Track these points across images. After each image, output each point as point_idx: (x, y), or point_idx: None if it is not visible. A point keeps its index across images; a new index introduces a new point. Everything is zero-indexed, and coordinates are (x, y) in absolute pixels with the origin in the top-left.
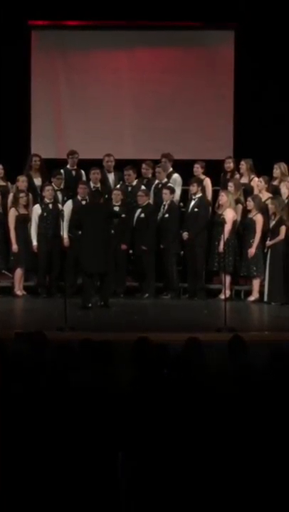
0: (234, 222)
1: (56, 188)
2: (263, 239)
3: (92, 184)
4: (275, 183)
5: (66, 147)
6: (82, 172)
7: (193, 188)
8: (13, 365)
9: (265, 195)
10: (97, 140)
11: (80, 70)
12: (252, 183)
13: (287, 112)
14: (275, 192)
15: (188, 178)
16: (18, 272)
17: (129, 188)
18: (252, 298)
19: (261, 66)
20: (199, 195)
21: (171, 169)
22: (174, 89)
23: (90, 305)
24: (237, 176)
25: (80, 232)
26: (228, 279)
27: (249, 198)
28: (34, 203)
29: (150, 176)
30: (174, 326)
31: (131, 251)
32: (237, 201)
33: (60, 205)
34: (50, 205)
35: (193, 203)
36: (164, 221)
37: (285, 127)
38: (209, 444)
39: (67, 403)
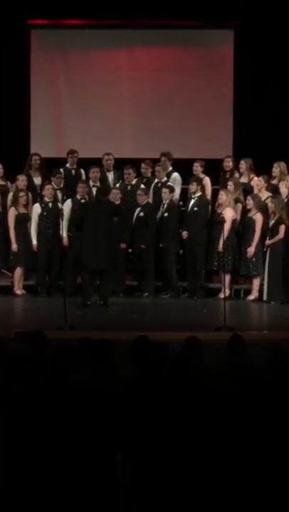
0: (233, 222)
1: (56, 187)
2: (263, 238)
3: (91, 183)
4: (274, 182)
5: (66, 146)
6: (82, 171)
7: (193, 187)
8: (13, 365)
9: (264, 195)
10: (96, 139)
11: (79, 69)
12: (251, 183)
13: (286, 112)
14: (275, 191)
15: (187, 177)
16: (18, 272)
17: (129, 187)
18: (251, 297)
19: (261, 65)
20: (199, 194)
21: (170, 168)
22: (173, 88)
23: (89, 302)
24: (236, 175)
25: (80, 231)
26: (227, 278)
27: (249, 197)
28: (34, 202)
29: (149, 175)
30: (174, 325)
31: (130, 250)
32: (236, 200)
33: (59, 204)
34: (50, 204)
35: (192, 202)
36: (163, 220)
37: (284, 127)
38: (209, 444)
39: (67, 402)
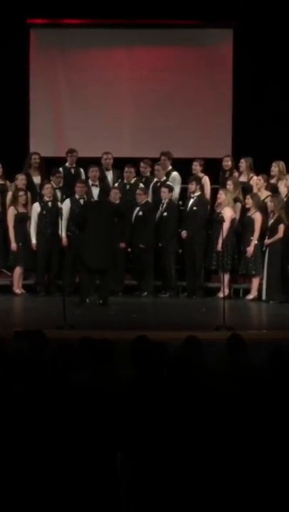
0: (232, 221)
1: (55, 186)
2: (262, 237)
3: (90, 182)
4: (273, 181)
5: (65, 145)
6: (81, 170)
7: (192, 186)
8: (13, 364)
9: (264, 194)
10: (96, 138)
11: (79, 69)
12: (251, 182)
13: (286, 111)
14: (274, 190)
15: (186, 176)
16: (17, 271)
17: (128, 186)
18: (250, 296)
19: (260, 65)
20: (198, 193)
21: (170, 167)
22: (173, 87)
23: (87, 301)
24: (236, 174)
25: (82, 231)
26: (226, 277)
27: (248, 196)
28: (33, 202)
29: (148, 174)
30: (173, 325)
31: (129, 249)
32: (236, 200)
33: (59, 204)
34: (50, 204)
35: (192, 201)
36: (162, 219)
37: (283, 126)
38: (209, 443)
39: (67, 402)
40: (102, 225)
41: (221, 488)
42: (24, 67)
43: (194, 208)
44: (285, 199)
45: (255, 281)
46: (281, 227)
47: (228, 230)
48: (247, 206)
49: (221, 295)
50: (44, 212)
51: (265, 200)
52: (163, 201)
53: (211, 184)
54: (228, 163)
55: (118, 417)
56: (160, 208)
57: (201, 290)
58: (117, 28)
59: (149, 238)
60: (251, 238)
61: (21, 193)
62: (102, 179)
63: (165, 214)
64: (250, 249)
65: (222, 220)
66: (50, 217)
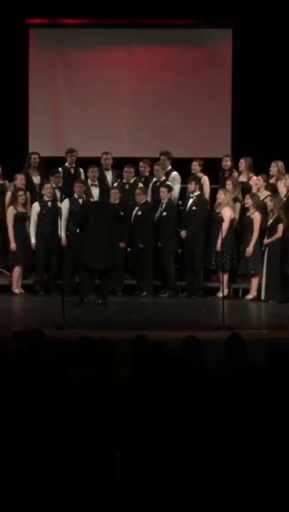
0: (232, 221)
1: (54, 186)
2: (261, 237)
3: (89, 182)
4: (272, 181)
5: (64, 145)
6: (81, 170)
7: (191, 186)
8: (13, 364)
9: (263, 194)
10: (95, 138)
11: (78, 68)
12: (250, 182)
13: (285, 111)
14: (274, 190)
15: (186, 176)
16: (17, 271)
17: (127, 186)
18: (250, 296)
19: (260, 64)
20: (197, 193)
21: (170, 167)
22: (172, 87)
23: (85, 300)
24: (235, 174)
25: (79, 230)
26: (225, 277)
27: (247, 196)
28: (32, 201)
29: (147, 173)
30: (172, 325)
31: (129, 249)
32: (235, 199)
33: (59, 203)
34: (49, 204)
35: (191, 201)
36: (162, 219)
37: (283, 126)
38: (208, 443)
39: (67, 401)
40: (103, 225)
41: (221, 487)
42: (23, 67)
43: (194, 208)
44: (285, 199)
45: (255, 281)
46: (280, 227)
47: (228, 230)
48: (246, 206)
49: (220, 295)
50: (43, 212)
51: (265, 200)
52: (162, 201)
53: (211, 184)
54: (227, 163)
55: (117, 416)
56: (159, 208)
57: (201, 290)
58: (117, 27)
59: (149, 238)
60: (250, 238)
61: (20, 192)
62: (102, 179)
63: (164, 214)
64: (250, 249)
65: (221, 220)
66: (49, 217)
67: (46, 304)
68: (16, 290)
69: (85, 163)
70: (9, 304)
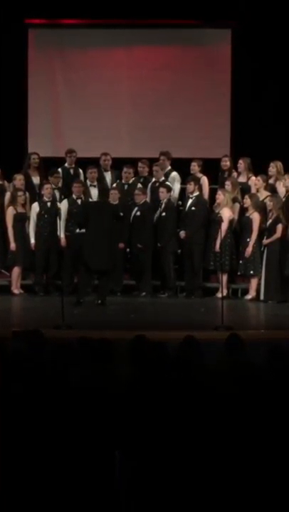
0: (231, 222)
1: (54, 186)
2: (260, 237)
3: (88, 183)
4: (271, 181)
5: (64, 145)
6: (81, 171)
7: (191, 186)
8: (12, 364)
9: (263, 194)
10: (94, 138)
11: (77, 69)
12: (249, 182)
13: (284, 111)
14: (273, 191)
15: (185, 176)
16: (16, 271)
17: (126, 187)
18: (249, 296)
19: (259, 64)
20: (196, 193)
21: (169, 167)
22: (172, 87)
23: (81, 301)
24: (234, 174)
25: (80, 230)
26: (225, 277)
27: (246, 196)
28: (32, 202)
29: (146, 174)
30: (172, 325)
31: (128, 249)
32: (234, 200)
33: (58, 204)
34: (49, 204)
35: (190, 201)
36: (161, 220)
37: (282, 126)
38: (208, 443)
39: (66, 401)
40: (103, 225)
41: (221, 487)
42: (23, 68)
43: (193, 208)
44: (284, 199)
45: (254, 282)
46: (279, 227)
47: (227, 231)
48: (245, 206)
49: (219, 295)
50: (43, 212)
51: (265, 201)
52: (161, 201)
53: (210, 184)
54: (226, 163)
55: (117, 416)
56: (159, 208)
57: (200, 290)
58: (116, 28)
59: (148, 238)
60: (248, 239)
61: (20, 193)
62: (101, 180)
63: (164, 214)
64: (249, 250)
65: (220, 221)
66: (49, 217)
67: (45, 304)
68: (15, 290)
69: (85, 163)
70: (8, 304)
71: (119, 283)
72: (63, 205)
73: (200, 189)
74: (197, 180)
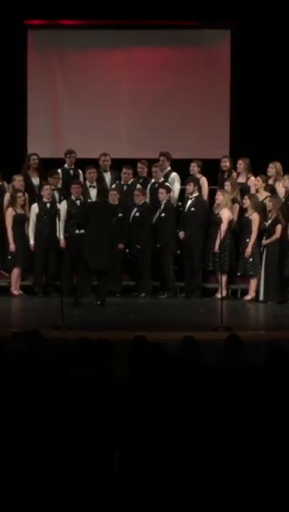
0: (230, 222)
1: (53, 187)
2: (260, 238)
3: (88, 183)
4: (270, 182)
5: (63, 146)
6: (80, 172)
7: (190, 187)
8: (12, 364)
9: (263, 195)
10: (94, 139)
11: (76, 69)
12: (248, 182)
13: (284, 111)
14: (273, 191)
15: (184, 177)
16: (15, 272)
17: (125, 187)
18: (248, 297)
19: (258, 65)
20: (196, 194)
21: (169, 168)
22: (171, 88)
23: (79, 302)
24: (234, 174)
25: (79, 230)
26: (224, 278)
27: (246, 197)
28: (31, 203)
29: (146, 174)
30: (171, 325)
31: (127, 250)
32: (234, 200)
33: (58, 205)
34: (48, 205)
35: (189, 202)
36: (160, 220)
37: (282, 126)
38: (207, 443)
39: (66, 402)
40: (103, 225)
41: (220, 487)
42: (22, 68)
43: (192, 209)
44: (283, 200)
45: (253, 282)
46: (279, 228)
47: (226, 231)
48: (244, 207)
49: (218, 296)
50: (42, 213)
51: (265, 201)
52: (161, 202)
53: (209, 185)
54: (226, 163)
55: (116, 416)
56: (158, 209)
57: (199, 291)
58: (115, 28)
59: (147, 239)
60: (248, 240)
61: (19, 194)
62: (100, 180)
63: (163, 215)
64: (248, 250)
65: (220, 221)
66: (48, 218)
67: (45, 305)
68: (15, 291)
69: (84, 164)
70: (8, 305)
71: (119, 284)
72: (62, 206)
73: (199, 190)
74: (196, 181)
